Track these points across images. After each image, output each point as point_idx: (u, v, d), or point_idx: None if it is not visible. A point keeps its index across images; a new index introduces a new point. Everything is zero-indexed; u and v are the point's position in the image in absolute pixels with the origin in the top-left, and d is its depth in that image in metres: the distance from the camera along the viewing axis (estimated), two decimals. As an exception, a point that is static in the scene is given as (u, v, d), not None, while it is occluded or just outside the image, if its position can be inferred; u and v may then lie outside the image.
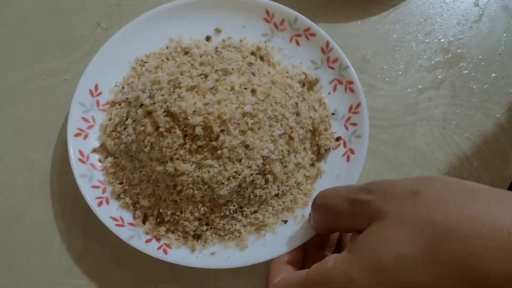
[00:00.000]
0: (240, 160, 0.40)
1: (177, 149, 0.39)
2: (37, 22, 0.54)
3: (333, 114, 0.47)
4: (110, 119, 0.45)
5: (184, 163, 0.40)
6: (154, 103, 0.41)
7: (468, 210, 0.27)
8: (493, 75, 0.53)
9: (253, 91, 0.42)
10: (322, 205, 0.37)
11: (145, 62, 0.48)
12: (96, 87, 0.46)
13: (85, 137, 0.44)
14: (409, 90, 0.52)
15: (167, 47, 0.49)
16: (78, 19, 0.54)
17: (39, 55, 0.52)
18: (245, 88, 0.42)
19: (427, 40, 0.55)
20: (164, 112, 0.40)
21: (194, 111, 0.39)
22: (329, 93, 0.48)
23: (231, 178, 0.40)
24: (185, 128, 0.39)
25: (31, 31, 0.53)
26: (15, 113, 0.50)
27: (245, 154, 0.40)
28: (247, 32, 0.50)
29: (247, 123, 0.40)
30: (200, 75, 0.42)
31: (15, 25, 0.53)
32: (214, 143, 0.39)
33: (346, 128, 0.46)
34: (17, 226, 0.47)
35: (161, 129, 0.40)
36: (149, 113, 0.41)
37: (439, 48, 0.54)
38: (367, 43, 0.53)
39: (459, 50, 0.54)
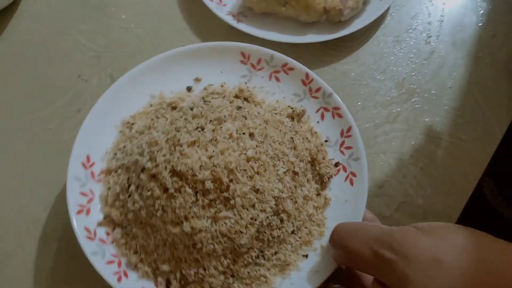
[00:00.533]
0: (253, 206, 0.40)
1: (190, 207, 0.39)
2: (22, 73, 0.56)
3: (326, 141, 0.48)
4: (108, 189, 0.44)
5: (199, 220, 0.39)
6: (157, 165, 0.40)
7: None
8: (445, 107, 0.56)
9: (251, 135, 0.42)
10: (342, 245, 0.37)
11: (132, 124, 0.47)
12: (88, 158, 0.45)
13: (88, 212, 0.43)
14: (367, 125, 0.55)
15: (151, 105, 0.49)
16: (61, 71, 0.55)
17: (23, 105, 0.53)
18: (243, 133, 0.42)
19: (382, 78, 0.57)
20: (169, 172, 0.39)
21: (200, 166, 0.39)
22: (318, 122, 0.49)
23: (248, 225, 0.40)
24: (194, 185, 0.39)
25: (16, 82, 0.55)
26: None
27: (257, 198, 0.40)
28: (226, 76, 0.51)
29: (252, 168, 0.41)
30: (196, 128, 0.42)
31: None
32: (225, 194, 0.39)
33: (342, 152, 0.47)
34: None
35: (170, 191, 0.39)
36: (153, 176, 0.40)
37: (394, 84, 0.57)
38: (328, 82, 0.52)
39: (412, 86, 0.57)
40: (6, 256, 0.47)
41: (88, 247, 0.41)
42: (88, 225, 0.42)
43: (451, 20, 0.62)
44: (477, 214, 0.55)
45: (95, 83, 0.54)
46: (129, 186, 0.43)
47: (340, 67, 0.58)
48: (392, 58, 0.59)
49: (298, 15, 0.57)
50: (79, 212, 0.42)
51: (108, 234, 0.43)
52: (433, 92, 0.57)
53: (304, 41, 0.56)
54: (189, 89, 0.50)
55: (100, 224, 0.43)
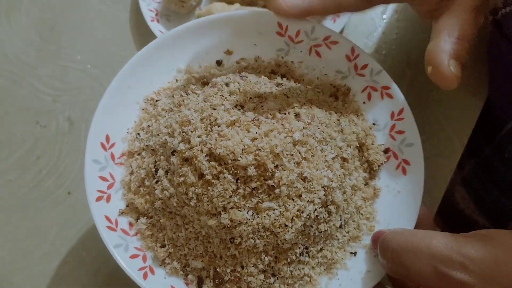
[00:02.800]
0: (300, 196, 0.35)
1: (230, 196, 0.34)
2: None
3: (374, 124, 0.43)
4: (131, 173, 0.39)
5: (240, 211, 0.34)
6: (191, 148, 0.35)
7: None
8: None
9: (297, 115, 0.37)
10: (399, 263, 0.32)
11: (157, 101, 0.42)
12: (108, 138, 0.40)
13: (108, 199, 0.38)
14: None
15: (177, 80, 0.43)
16: (18, 119, 0.55)
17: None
18: (288, 113, 0.37)
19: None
20: (206, 156, 0.34)
21: (243, 150, 0.34)
22: (364, 103, 0.44)
23: (294, 218, 0.35)
24: (235, 171, 0.34)
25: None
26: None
27: (304, 188, 0.35)
28: (260, 49, 0.45)
29: (300, 153, 0.35)
30: (235, 106, 0.36)
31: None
32: (269, 182, 0.34)
33: (393, 137, 0.42)
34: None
35: (207, 177, 0.34)
36: (186, 160, 0.35)
37: None
38: None
39: None
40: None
41: (110, 239, 0.36)
42: (109, 214, 0.37)
43: (404, 38, 0.59)
44: (452, 224, 0.53)
45: (53, 129, 0.54)
46: (156, 170, 0.37)
47: None
48: None
49: None
50: (98, 198, 0.37)
51: (131, 224, 0.38)
52: None
53: None
54: (219, 63, 0.45)
55: (122, 213, 0.38)
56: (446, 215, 0.53)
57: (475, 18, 0.39)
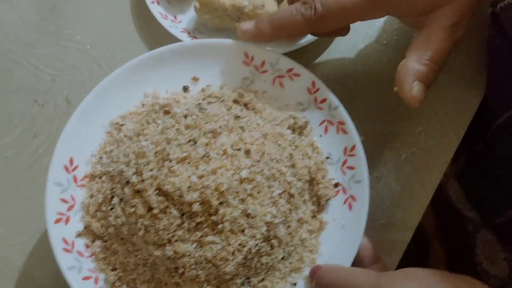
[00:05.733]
0: (243, 231, 0.37)
1: (174, 230, 0.36)
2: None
3: (327, 158, 0.45)
4: (91, 196, 0.41)
5: (183, 243, 0.37)
6: (143, 181, 0.37)
7: None
8: (402, 116, 0.53)
9: (247, 152, 0.39)
10: None
11: (122, 125, 0.44)
12: (71, 160, 0.42)
13: (67, 221, 0.40)
14: None
15: (143, 104, 0.45)
16: (16, 97, 0.55)
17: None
18: (238, 149, 0.39)
19: (341, 89, 0.50)
20: (155, 190, 0.36)
21: (189, 187, 0.36)
22: (321, 136, 0.46)
23: (235, 252, 0.37)
24: (181, 206, 0.36)
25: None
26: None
27: (247, 223, 0.37)
28: (226, 77, 0.47)
29: (245, 190, 0.38)
30: (188, 141, 0.38)
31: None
32: (213, 217, 0.37)
33: (343, 172, 0.44)
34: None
35: (154, 211, 0.36)
36: (138, 192, 0.37)
37: (353, 94, 0.53)
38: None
39: (370, 89, 0.54)
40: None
41: (64, 261, 0.38)
42: (66, 235, 0.40)
43: (406, 27, 0.56)
44: (444, 218, 0.56)
45: (51, 108, 0.54)
46: (112, 197, 0.40)
47: None
48: (349, 68, 0.56)
49: None
50: (57, 221, 0.40)
51: (87, 246, 0.40)
52: (390, 99, 0.53)
53: None
54: (185, 89, 0.46)
55: (79, 234, 0.41)
56: (438, 208, 0.54)
57: (451, 35, 0.40)
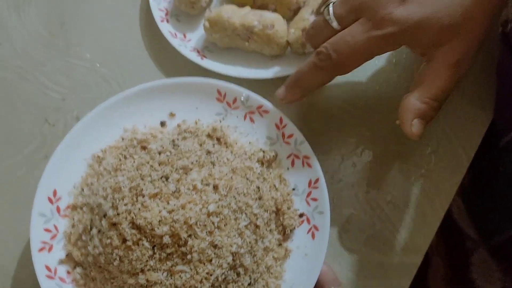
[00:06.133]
0: (210, 261, 0.41)
1: (147, 260, 0.40)
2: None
3: (293, 189, 0.49)
4: (73, 226, 0.45)
5: (155, 272, 0.40)
6: (118, 214, 0.41)
7: None
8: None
9: (215, 187, 0.43)
10: None
11: (102, 159, 0.47)
12: (55, 192, 0.45)
13: (50, 249, 0.44)
14: (335, 157, 0.53)
15: (123, 139, 0.49)
16: (26, 116, 0.54)
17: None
18: (207, 185, 0.43)
19: (350, 109, 0.55)
20: (129, 223, 0.40)
21: (160, 221, 0.40)
22: (288, 168, 0.49)
23: (203, 280, 0.41)
24: (152, 239, 0.40)
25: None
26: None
27: (214, 253, 0.41)
28: (201, 112, 0.51)
29: (213, 223, 0.41)
30: (161, 178, 0.42)
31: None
32: (183, 248, 0.40)
33: (308, 203, 0.48)
34: None
35: (128, 243, 0.40)
36: (114, 225, 0.41)
37: (361, 114, 0.55)
38: (295, 115, 0.53)
39: (376, 117, 0.55)
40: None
41: (47, 286, 0.42)
42: (49, 262, 0.43)
43: None
44: (443, 232, 0.55)
45: (61, 127, 0.54)
46: (91, 228, 0.43)
47: (307, 98, 0.54)
48: (359, 88, 0.57)
49: (262, 49, 0.55)
50: (41, 249, 0.43)
51: (68, 272, 0.44)
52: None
53: (269, 76, 0.54)
54: (162, 124, 0.50)
55: (61, 261, 0.44)
56: (441, 223, 0.54)
57: (454, 73, 0.41)
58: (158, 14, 0.57)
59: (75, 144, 0.47)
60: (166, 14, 0.58)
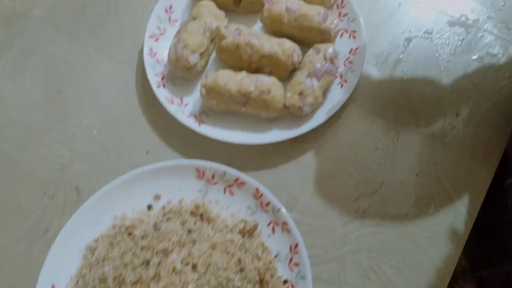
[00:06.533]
0: None
1: None
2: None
3: (276, 256, 0.50)
4: (71, 317, 0.48)
5: None
6: (104, 304, 0.43)
7: None
8: (413, 197, 0.55)
9: (194, 266, 0.45)
10: None
11: (95, 249, 0.51)
12: (53, 287, 0.49)
13: None
14: (336, 222, 0.53)
15: (113, 226, 0.52)
16: (25, 188, 0.54)
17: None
18: (187, 264, 0.45)
19: (349, 169, 0.56)
20: None
21: None
22: (269, 236, 0.51)
23: None
24: None
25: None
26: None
27: (197, 333, 0.43)
28: (184, 191, 0.54)
29: (193, 302, 0.43)
30: (142, 264, 0.45)
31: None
32: (165, 331, 0.42)
33: (291, 269, 0.49)
34: None
35: (113, 332, 0.42)
36: (102, 316, 0.44)
37: (360, 176, 0.56)
38: (294, 177, 0.55)
39: (378, 177, 0.56)
40: None
41: None
42: None
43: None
44: None
45: (61, 199, 0.54)
46: (85, 319, 0.46)
47: (305, 160, 0.57)
48: (356, 148, 0.57)
49: (259, 113, 0.56)
50: None
51: None
52: (400, 179, 0.55)
53: (265, 141, 0.55)
54: (149, 207, 0.53)
55: None
56: None
57: None
58: (154, 79, 0.57)
59: (70, 238, 0.51)
60: (162, 79, 0.58)
